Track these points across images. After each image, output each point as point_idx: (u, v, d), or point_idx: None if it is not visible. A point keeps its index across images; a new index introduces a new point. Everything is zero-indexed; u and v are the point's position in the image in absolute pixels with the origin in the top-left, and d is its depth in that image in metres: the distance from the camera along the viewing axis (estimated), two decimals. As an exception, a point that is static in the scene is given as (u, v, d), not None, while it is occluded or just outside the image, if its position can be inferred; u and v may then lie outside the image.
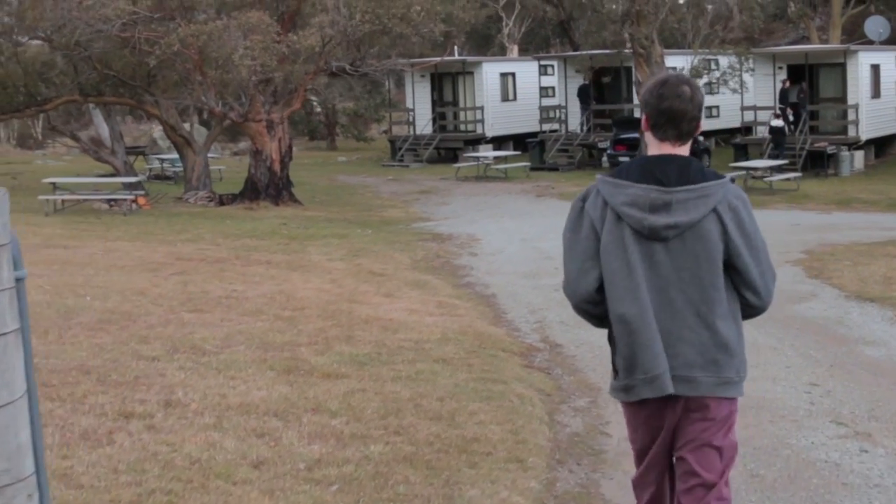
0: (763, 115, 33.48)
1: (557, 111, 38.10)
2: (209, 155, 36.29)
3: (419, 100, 40.89)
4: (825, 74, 34.29)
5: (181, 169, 29.84)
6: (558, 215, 12.78)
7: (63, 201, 23.99)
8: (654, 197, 3.76)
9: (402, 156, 39.38)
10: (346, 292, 11.76)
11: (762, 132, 33.44)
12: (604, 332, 4.03)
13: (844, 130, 33.25)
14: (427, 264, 15.02)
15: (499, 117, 39.54)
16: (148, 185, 30.64)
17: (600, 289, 3.87)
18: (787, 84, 33.34)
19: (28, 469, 2.57)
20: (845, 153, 32.22)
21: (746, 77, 31.54)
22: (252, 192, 25.56)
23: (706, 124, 37.26)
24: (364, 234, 19.44)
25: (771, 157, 31.25)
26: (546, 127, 38.14)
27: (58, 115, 44.63)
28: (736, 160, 31.98)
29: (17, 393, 2.54)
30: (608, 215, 3.83)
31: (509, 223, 20.62)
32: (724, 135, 39.00)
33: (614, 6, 32.21)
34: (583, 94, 36.56)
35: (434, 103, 40.70)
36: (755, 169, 28.26)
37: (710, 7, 34.82)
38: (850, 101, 32.95)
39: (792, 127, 32.79)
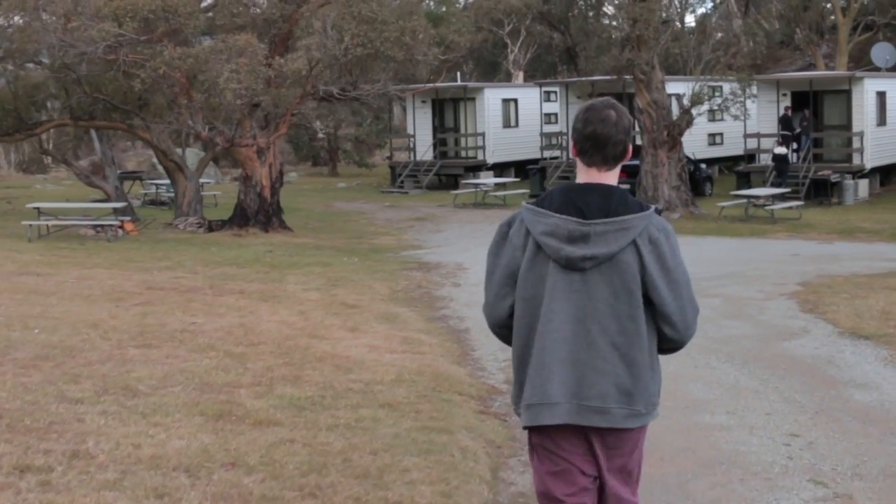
0: (766, 143, 32.86)
1: (559, 138, 37.54)
2: (204, 180, 35.90)
3: (420, 126, 40.40)
4: (830, 101, 33.66)
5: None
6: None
7: (49, 227, 23.43)
8: (573, 228, 3.74)
9: (402, 182, 38.84)
10: (310, 326, 11.13)
11: (765, 160, 32.81)
12: None
13: (849, 158, 32.61)
14: (406, 295, 14.39)
15: (500, 144, 39.00)
16: (141, 210, 30.20)
17: (513, 315, 3.90)
18: (790, 111, 32.72)
19: None
20: (849, 181, 31.56)
21: (749, 104, 30.87)
22: (241, 218, 24.99)
23: (710, 151, 37.05)
24: (349, 262, 18.84)
25: (774, 184, 30.60)
26: (548, 154, 37.59)
27: (69, 140, 44.38)
28: (738, 188, 31.35)
29: None
30: (529, 243, 3.82)
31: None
32: (728, 162, 38.38)
33: (615, 32, 31.67)
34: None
35: (435, 129, 40.19)
36: (757, 197, 27.59)
37: (719, 35, 34.28)
38: (855, 128, 32.31)
39: (795, 154, 32.18)
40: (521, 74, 50.32)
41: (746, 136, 33.30)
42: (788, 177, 31.11)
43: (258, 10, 25.49)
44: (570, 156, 4.75)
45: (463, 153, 40.60)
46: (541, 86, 39.94)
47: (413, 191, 37.90)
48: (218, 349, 9.67)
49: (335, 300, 13.46)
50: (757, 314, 12.61)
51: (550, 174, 35.10)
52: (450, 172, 39.49)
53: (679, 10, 42.28)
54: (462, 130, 40.32)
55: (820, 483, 6.21)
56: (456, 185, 36.17)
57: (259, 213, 24.77)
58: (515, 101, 40.03)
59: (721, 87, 30.32)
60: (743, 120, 31.30)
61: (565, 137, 37.18)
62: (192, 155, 36.59)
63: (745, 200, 27.40)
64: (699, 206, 28.33)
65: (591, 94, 35.82)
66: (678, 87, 30.33)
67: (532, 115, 38.78)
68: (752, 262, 18.29)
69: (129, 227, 24.45)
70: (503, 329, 3.98)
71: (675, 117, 28.35)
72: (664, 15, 32.41)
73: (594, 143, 3.81)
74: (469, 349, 10.18)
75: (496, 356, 9.82)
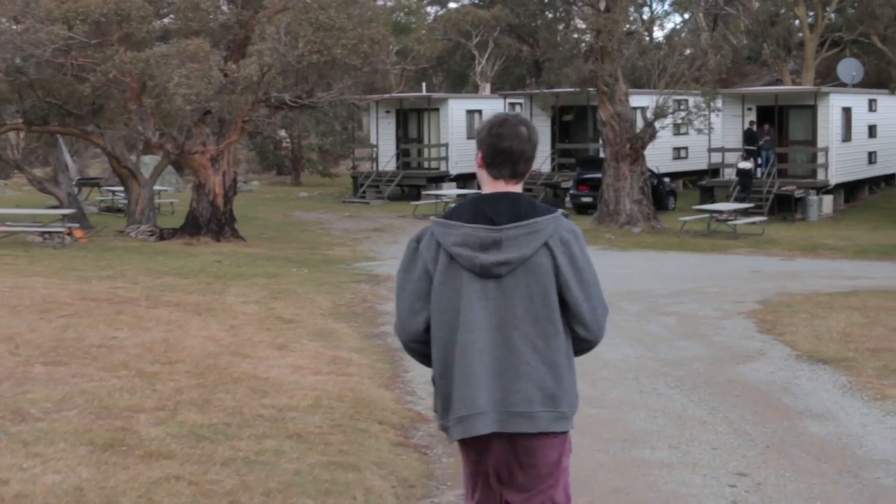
0: (731, 157, 32.46)
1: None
2: (163, 188, 35.14)
3: (383, 136, 39.83)
4: (795, 116, 33.33)
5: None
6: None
7: (-6, 234, 22.71)
8: (484, 235, 3.78)
9: (364, 192, 38.22)
10: (237, 342, 10.45)
11: (730, 174, 32.40)
12: None
13: (814, 174, 32.25)
14: (348, 310, 13.72)
15: (464, 155, 38.38)
16: (96, 217, 29.47)
17: (429, 329, 3.89)
18: (755, 126, 32.34)
19: None
20: (813, 197, 31.21)
21: (714, 118, 30.44)
22: (193, 227, 24.28)
23: (675, 165, 36.66)
24: (298, 273, 18.18)
25: (737, 199, 30.22)
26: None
27: (39, 147, 43.28)
28: (702, 202, 30.94)
29: None
30: (441, 256, 3.84)
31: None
32: (693, 176, 37.96)
33: (580, 44, 31.15)
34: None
35: (398, 139, 39.59)
36: (719, 212, 27.14)
37: (687, 51, 33.84)
38: (821, 144, 31.97)
39: (759, 169, 31.82)
40: (487, 86, 49.87)
41: (711, 150, 32.88)
42: (752, 192, 30.70)
43: (214, 16, 24.81)
44: (477, 167, 4.45)
45: (426, 164, 40.02)
46: (505, 97, 39.42)
47: (374, 201, 37.33)
48: (131, 367, 8.98)
49: (272, 314, 12.79)
50: (712, 334, 12.04)
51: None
52: (412, 183, 38.91)
53: (645, 23, 41.79)
54: (426, 141, 39.75)
55: (765, 531, 5.60)
56: (418, 196, 35.57)
57: (211, 222, 24.06)
58: (480, 112, 39.47)
59: (686, 100, 29.89)
60: (707, 134, 30.85)
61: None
62: (154, 162, 35.83)
63: (707, 215, 26.94)
64: (661, 221, 27.84)
65: (556, 105, 35.37)
66: (644, 101, 29.85)
67: (496, 127, 38.14)
68: (712, 279, 17.76)
69: (78, 234, 23.72)
70: (417, 344, 3.95)
71: (638, 130, 27.85)
72: (629, 27, 31.93)
73: (507, 157, 3.86)
74: (402, 370, 9.52)
75: (428, 379, 9.16)
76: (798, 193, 31.10)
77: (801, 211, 31.12)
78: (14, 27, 23.18)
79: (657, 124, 27.47)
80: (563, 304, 3.83)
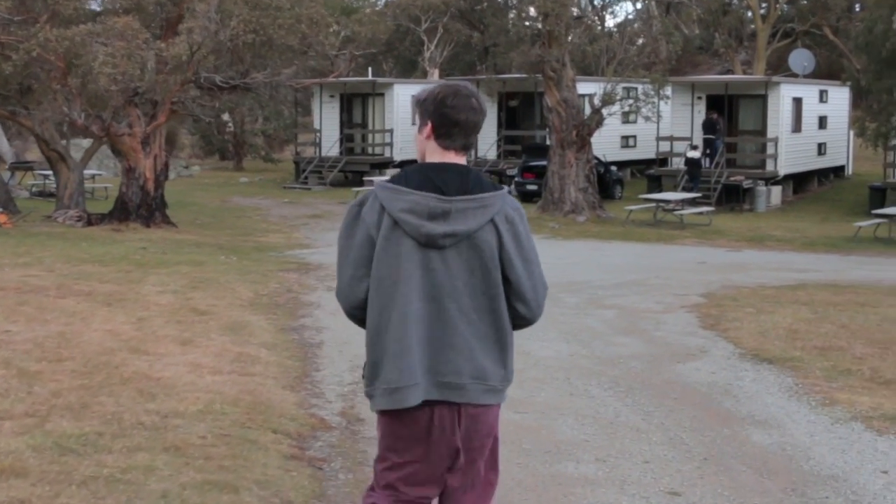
0: (679, 146, 31.95)
1: (469, 136, 36.30)
2: (98, 172, 34.04)
3: (327, 121, 38.96)
4: (745, 106, 32.87)
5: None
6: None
7: (-86, 220, 21.63)
8: (434, 205, 3.74)
9: (307, 178, 37.33)
10: (140, 337, 9.61)
11: (678, 163, 31.89)
12: None
13: (763, 164, 31.80)
14: (270, 300, 12.90)
15: (408, 141, 37.55)
16: (26, 202, 28.40)
17: None
18: (715, 115, 31.85)
19: None
20: (762, 188, 30.79)
21: (664, 106, 29.83)
22: (122, 212, 23.28)
23: (623, 154, 36.17)
24: (226, 261, 17.33)
25: (685, 189, 29.71)
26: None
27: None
28: (650, 192, 30.41)
29: None
30: (384, 221, 3.77)
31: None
32: (641, 165, 37.46)
33: (528, 30, 30.38)
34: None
35: (342, 124, 38.70)
36: (666, 201, 26.58)
37: (640, 40, 33.26)
38: (770, 134, 31.53)
39: (708, 159, 31.38)
40: (436, 72, 49.13)
41: (659, 138, 32.34)
42: (700, 182, 30.22)
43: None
44: (424, 137, 4.01)
45: (370, 150, 39.20)
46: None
47: (316, 187, 36.52)
48: (13, 366, 8.13)
49: (187, 305, 11.94)
50: (652, 329, 11.36)
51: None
52: (356, 169, 38.09)
53: (596, 9, 41.18)
54: (370, 126, 38.92)
55: (698, 564, 4.90)
56: (361, 183, 34.77)
57: (141, 207, 23.08)
58: (426, 97, 38.64)
59: (636, 88, 29.30)
60: (656, 122, 30.29)
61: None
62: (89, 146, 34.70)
63: (654, 205, 26.38)
64: (607, 210, 27.23)
65: (503, 92, 34.65)
66: (592, 88, 29.19)
67: (442, 113, 37.41)
68: (656, 270, 17.13)
69: (2, 219, 22.68)
70: (360, 311, 3.86)
71: (585, 117, 27.20)
72: (577, 11, 31.26)
73: (462, 129, 3.82)
74: (313, 368, 8.74)
75: (341, 378, 8.40)
76: (746, 184, 30.66)
77: (750, 202, 30.70)
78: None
79: (605, 111, 26.83)
80: (505, 280, 3.80)
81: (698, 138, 31.78)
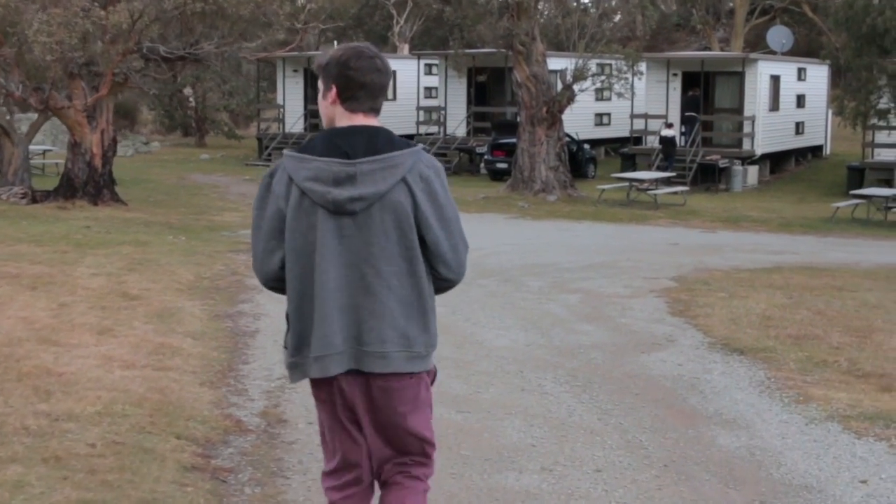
0: (654, 125, 31.21)
1: (439, 113, 35.47)
2: (48, 148, 32.95)
3: (290, 96, 38.01)
4: (722, 84, 32.12)
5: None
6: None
7: None
8: (337, 170, 3.61)
9: (270, 155, 36.39)
10: (55, 325, 8.78)
11: (652, 142, 31.16)
12: None
13: (739, 143, 31.11)
14: (211, 283, 12.08)
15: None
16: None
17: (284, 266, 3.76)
18: (697, 92, 31.11)
19: None
20: (738, 168, 30.11)
21: (638, 83, 29.02)
22: (68, 189, 22.30)
23: (596, 132, 35.25)
24: (173, 241, 16.52)
25: (660, 168, 28.99)
26: (424, 130, 35.54)
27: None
28: (623, 170, 29.68)
29: None
30: (293, 192, 3.65)
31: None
32: (615, 144, 36.71)
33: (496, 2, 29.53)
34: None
35: (306, 100, 37.75)
36: (640, 181, 25.85)
37: (617, 17, 32.46)
38: (747, 112, 30.82)
39: (683, 138, 30.69)
40: (406, 47, 48.18)
41: (633, 116, 31.58)
42: (675, 161, 29.51)
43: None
44: (329, 102, 3.55)
45: (337, 125, 38.29)
46: (419, 57, 37.76)
47: (280, 164, 35.59)
48: None
49: (118, 289, 11.11)
50: (618, 316, 10.62)
51: (427, 150, 33.05)
52: (322, 146, 37.15)
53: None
54: (336, 102, 37.99)
55: None
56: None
57: (88, 184, 22.10)
58: (394, 72, 37.75)
59: (610, 65, 28.51)
60: (630, 99, 29.51)
61: (443, 113, 35.14)
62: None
63: (627, 184, 25.65)
64: (578, 189, 26.47)
65: (472, 67, 33.78)
66: (564, 64, 28.33)
67: (410, 89, 36.58)
68: (626, 252, 16.39)
69: (-62, 197, 21.76)
70: (276, 282, 3.78)
71: (556, 93, 26.42)
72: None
73: (369, 91, 3.70)
74: (241, 361, 7.95)
75: (270, 372, 7.60)
76: (722, 163, 29.96)
77: (725, 181, 30.03)
78: None
79: (576, 87, 26.03)
80: (423, 242, 3.68)
81: (676, 116, 31.06)
